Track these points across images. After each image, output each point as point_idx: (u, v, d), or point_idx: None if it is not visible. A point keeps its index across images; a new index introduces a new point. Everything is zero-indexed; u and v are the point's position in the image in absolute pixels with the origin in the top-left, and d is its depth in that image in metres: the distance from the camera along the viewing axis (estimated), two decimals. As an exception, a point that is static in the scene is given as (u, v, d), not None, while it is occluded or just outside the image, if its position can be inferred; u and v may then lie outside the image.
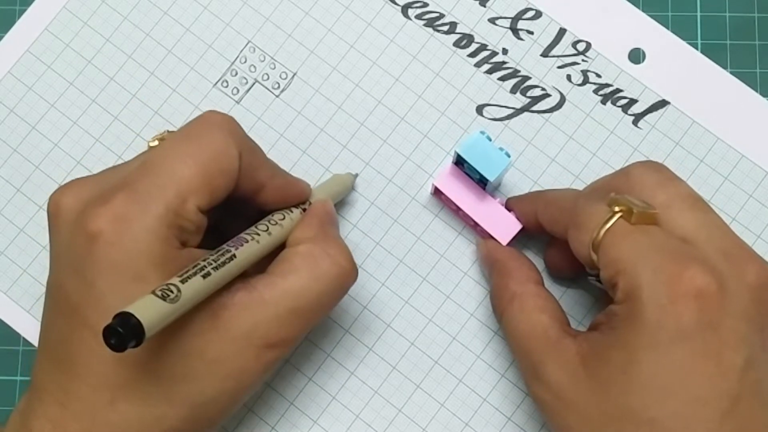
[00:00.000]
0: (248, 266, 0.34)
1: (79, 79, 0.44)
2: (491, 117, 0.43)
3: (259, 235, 0.35)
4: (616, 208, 0.33)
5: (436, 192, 0.42)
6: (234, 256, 0.33)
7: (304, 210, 0.38)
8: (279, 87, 0.44)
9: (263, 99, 0.44)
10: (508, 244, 0.40)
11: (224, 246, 0.33)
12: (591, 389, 0.33)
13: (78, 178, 0.35)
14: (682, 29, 0.44)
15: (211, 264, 0.32)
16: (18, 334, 0.43)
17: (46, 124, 0.44)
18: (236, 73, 0.44)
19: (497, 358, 0.42)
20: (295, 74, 0.44)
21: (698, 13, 0.44)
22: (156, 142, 0.36)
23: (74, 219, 0.33)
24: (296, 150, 0.43)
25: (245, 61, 0.44)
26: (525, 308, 0.37)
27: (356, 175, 0.43)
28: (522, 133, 0.43)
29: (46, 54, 0.44)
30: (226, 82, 0.44)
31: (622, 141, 0.43)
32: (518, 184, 0.43)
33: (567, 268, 0.40)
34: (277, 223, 0.36)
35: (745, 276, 0.32)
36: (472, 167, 0.38)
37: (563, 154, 0.43)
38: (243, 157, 0.34)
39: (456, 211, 0.42)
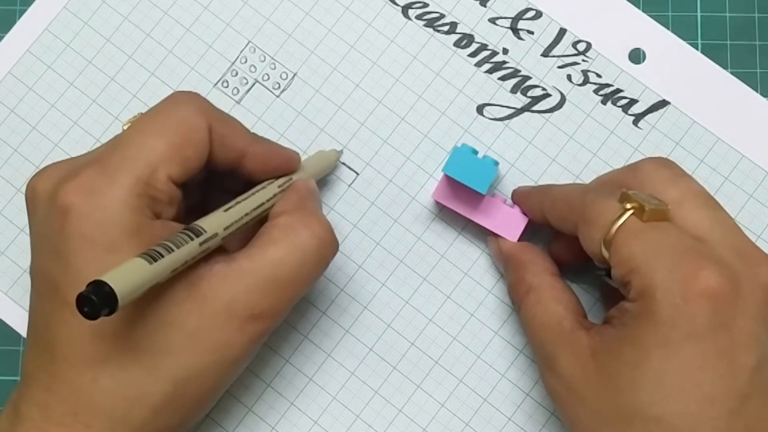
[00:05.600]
0: (223, 240, 0.34)
1: (80, 79, 0.44)
2: (491, 117, 0.43)
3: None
4: (628, 205, 0.33)
5: (437, 201, 0.42)
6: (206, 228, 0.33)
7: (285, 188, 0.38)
8: (279, 87, 0.44)
9: (263, 99, 0.44)
10: (519, 238, 0.40)
11: (198, 221, 0.34)
12: (600, 383, 0.33)
13: (52, 163, 0.36)
14: (683, 29, 0.44)
15: (184, 235, 0.32)
16: (18, 334, 0.43)
17: (47, 124, 0.44)
18: (236, 74, 0.44)
19: (497, 358, 0.42)
20: (295, 74, 0.44)
21: (698, 13, 0.44)
22: (129, 125, 0.36)
23: (48, 198, 0.33)
24: (296, 150, 0.43)
25: (245, 62, 0.44)
26: (541, 299, 0.37)
27: (341, 152, 0.43)
28: (522, 133, 0.43)
29: (46, 54, 0.44)
30: (227, 82, 0.44)
31: (622, 141, 0.43)
32: (518, 185, 0.42)
33: (572, 261, 0.40)
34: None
35: (758, 276, 0.32)
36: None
37: (563, 154, 0.43)
38: (214, 127, 0.35)
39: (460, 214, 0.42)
